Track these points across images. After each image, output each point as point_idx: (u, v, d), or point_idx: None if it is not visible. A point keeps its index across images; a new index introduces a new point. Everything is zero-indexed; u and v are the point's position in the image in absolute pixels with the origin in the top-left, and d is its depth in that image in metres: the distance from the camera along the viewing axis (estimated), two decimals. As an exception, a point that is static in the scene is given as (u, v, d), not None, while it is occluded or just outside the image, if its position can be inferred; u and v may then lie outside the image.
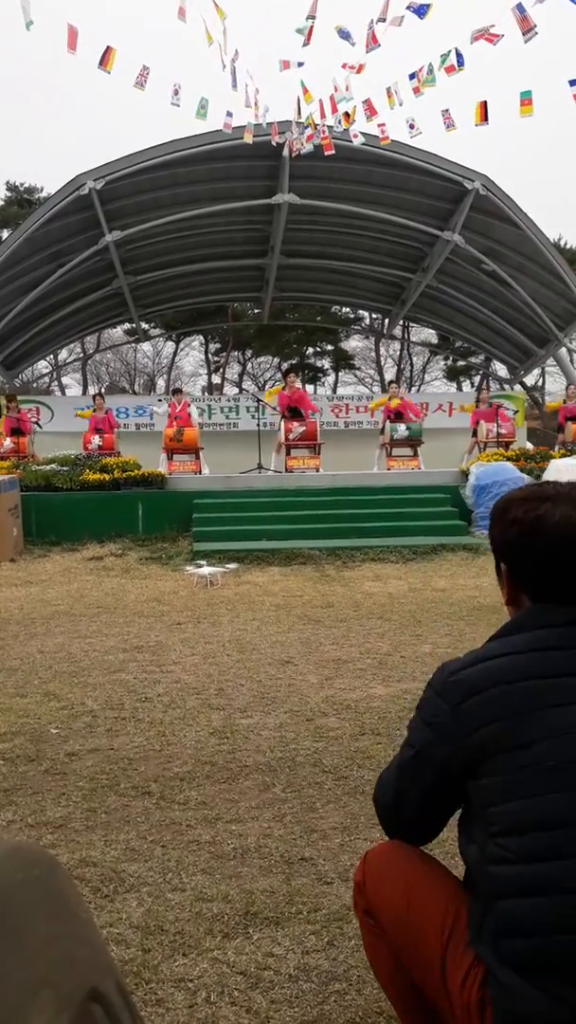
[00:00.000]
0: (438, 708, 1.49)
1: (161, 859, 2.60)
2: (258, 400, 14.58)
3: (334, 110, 10.55)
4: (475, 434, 13.88)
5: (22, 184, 31.53)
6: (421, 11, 8.01)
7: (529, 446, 17.49)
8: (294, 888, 2.41)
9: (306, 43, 8.46)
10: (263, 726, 3.96)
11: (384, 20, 8.46)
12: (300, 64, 9.51)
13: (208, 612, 7.10)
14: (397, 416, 13.74)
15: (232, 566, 9.05)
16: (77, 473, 11.78)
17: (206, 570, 8.51)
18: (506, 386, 20.92)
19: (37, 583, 8.75)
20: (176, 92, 9.96)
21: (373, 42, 8.73)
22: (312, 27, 8.35)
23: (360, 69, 9.42)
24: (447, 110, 9.81)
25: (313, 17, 8.29)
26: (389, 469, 13.19)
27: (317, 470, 12.81)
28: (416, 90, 9.55)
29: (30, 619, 6.98)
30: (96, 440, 13.97)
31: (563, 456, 12.09)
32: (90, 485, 11.51)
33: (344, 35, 8.66)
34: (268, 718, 4.09)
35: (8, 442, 14.22)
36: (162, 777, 3.32)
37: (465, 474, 11.62)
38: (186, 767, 3.43)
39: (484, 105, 9.77)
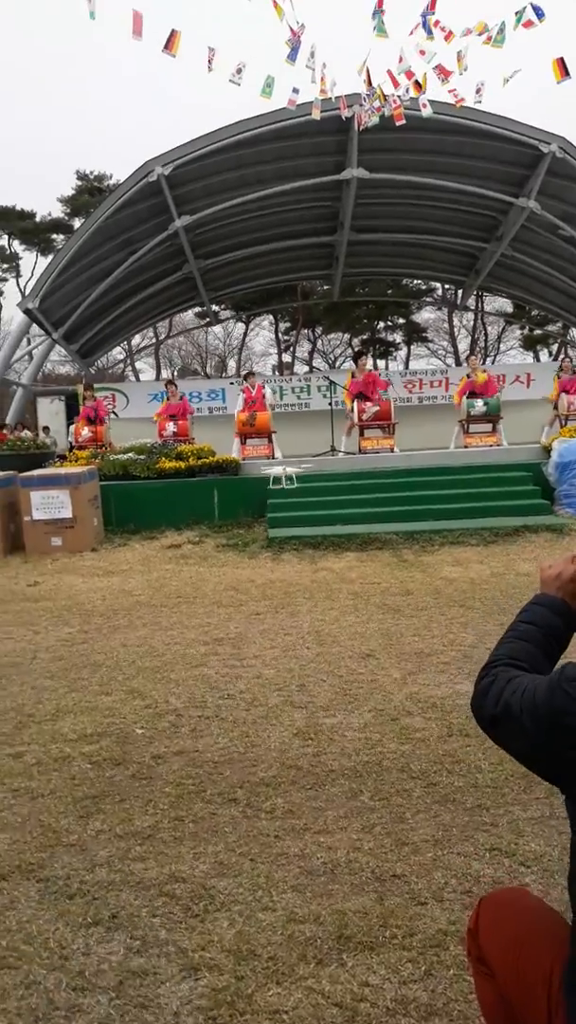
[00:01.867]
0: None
1: (251, 874, 2.57)
2: (330, 380, 14.39)
3: (409, 76, 10.21)
4: (556, 406, 13.40)
5: (91, 172, 31.88)
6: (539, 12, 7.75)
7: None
8: (387, 909, 2.35)
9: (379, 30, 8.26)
10: (347, 726, 3.90)
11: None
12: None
13: (286, 601, 7.07)
14: (472, 393, 13.35)
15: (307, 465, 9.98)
16: (153, 461, 11.91)
17: (279, 468, 9.08)
18: (587, 354, 20.15)
19: (118, 573, 8.90)
20: (239, 71, 9.82)
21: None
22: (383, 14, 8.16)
23: (449, 36, 9.04)
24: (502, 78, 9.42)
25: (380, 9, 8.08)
26: (467, 447, 12.87)
27: (392, 450, 12.60)
28: (489, 39, 9.12)
29: (112, 610, 7.10)
30: (171, 427, 14.08)
31: None
32: (166, 473, 11.62)
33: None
34: (352, 717, 4.03)
35: (87, 431, 14.49)
36: (248, 783, 3.30)
37: (547, 450, 11.23)
38: (271, 771, 3.40)
39: (561, 61, 9.33)
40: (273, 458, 12.92)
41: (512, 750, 1.44)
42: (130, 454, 12.38)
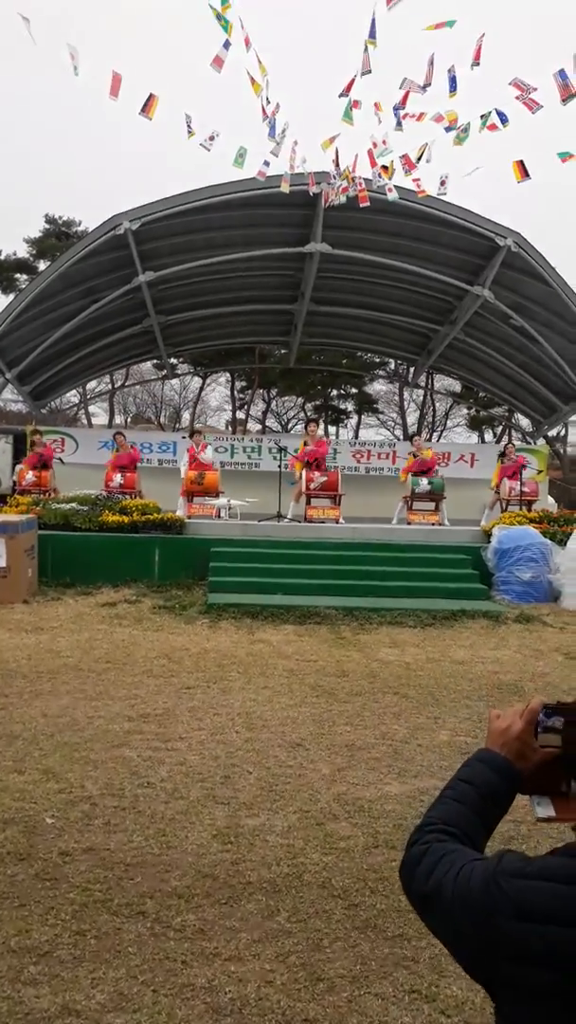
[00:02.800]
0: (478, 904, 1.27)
1: (151, 1010, 2.38)
2: (279, 447, 14.45)
3: (372, 164, 10.57)
4: (498, 490, 13.67)
5: (60, 217, 32.03)
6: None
7: (551, 502, 17.27)
8: (295, 1061, 2.18)
9: (349, 114, 8.55)
10: (270, 829, 3.74)
11: (429, 85, 8.49)
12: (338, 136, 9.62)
13: (219, 675, 6.89)
14: (420, 472, 13.56)
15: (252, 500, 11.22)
16: (96, 513, 11.68)
17: (223, 500, 10.56)
18: (529, 440, 20.73)
19: (48, 630, 8.59)
20: (212, 138, 10.03)
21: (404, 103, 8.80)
22: (355, 103, 8.47)
23: (420, 117, 9.38)
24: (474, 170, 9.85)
25: (347, 95, 8.39)
26: (410, 523, 12.98)
27: (337, 521, 12.63)
28: (456, 143, 9.54)
29: (37, 672, 6.81)
30: (118, 478, 13.91)
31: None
32: (108, 527, 11.40)
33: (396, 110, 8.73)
34: (275, 819, 3.86)
35: (31, 475, 14.21)
36: (159, 892, 3.10)
37: (487, 534, 11.38)
38: (185, 880, 3.21)
39: (521, 164, 9.79)
40: (220, 516, 12.84)
41: (441, 938, 1.34)
42: (73, 504, 12.14)
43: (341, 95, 8.71)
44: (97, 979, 2.53)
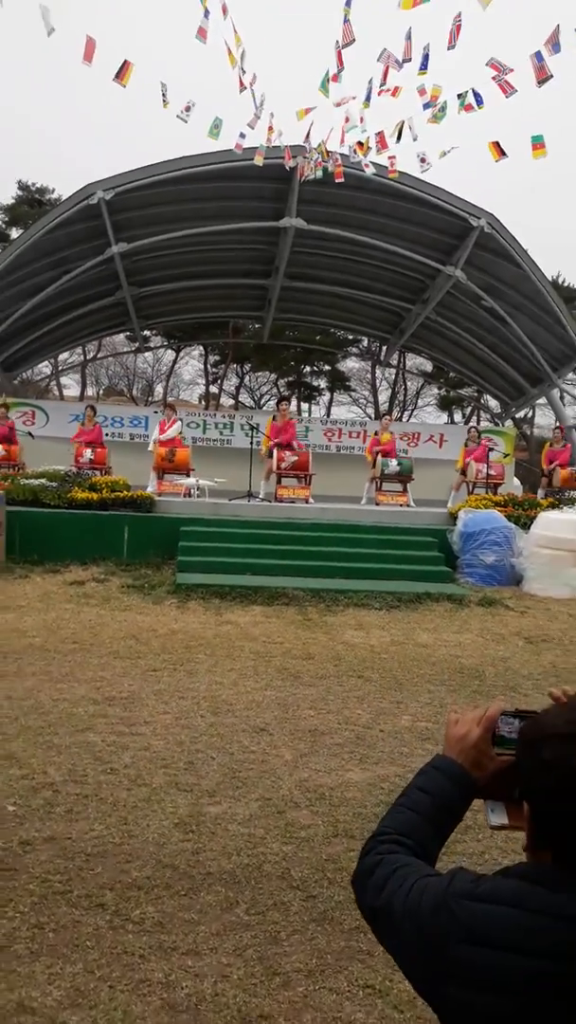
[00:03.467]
0: (429, 923, 1.28)
1: (107, 1006, 2.40)
2: (251, 425, 14.40)
3: (342, 140, 10.44)
4: (464, 472, 13.76)
5: (34, 184, 31.27)
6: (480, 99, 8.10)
7: (517, 483, 17.42)
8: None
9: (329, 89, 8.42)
10: (231, 817, 3.77)
11: (408, 60, 8.37)
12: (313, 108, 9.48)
13: (186, 657, 6.91)
14: (386, 452, 13.60)
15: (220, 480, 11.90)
16: (65, 490, 11.57)
17: (192, 480, 11.26)
18: (497, 421, 20.86)
19: (14, 608, 8.53)
20: (188, 109, 9.84)
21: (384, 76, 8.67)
22: (334, 76, 8.33)
23: (395, 92, 9.25)
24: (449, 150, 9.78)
25: (341, 68, 8.27)
26: (378, 504, 13.04)
27: (307, 501, 12.64)
28: (432, 121, 9.46)
29: (2, 653, 6.77)
30: (88, 454, 13.76)
31: (551, 505, 11.97)
32: (77, 504, 11.29)
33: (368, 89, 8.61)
34: (237, 806, 3.90)
35: None
36: (119, 884, 3.12)
37: (453, 516, 11.47)
38: (145, 871, 3.23)
39: (497, 144, 9.74)
40: (190, 496, 12.79)
41: (390, 952, 1.35)
42: (42, 480, 12.00)
43: (338, 72, 8.51)
44: (54, 975, 2.55)
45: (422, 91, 9.24)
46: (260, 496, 13.02)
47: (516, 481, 17.78)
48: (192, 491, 12.64)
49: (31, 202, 30.29)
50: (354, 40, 8.41)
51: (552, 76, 8.14)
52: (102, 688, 5.88)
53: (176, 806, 3.87)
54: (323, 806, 3.96)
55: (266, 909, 2.99)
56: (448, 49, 7.64)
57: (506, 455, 16.18)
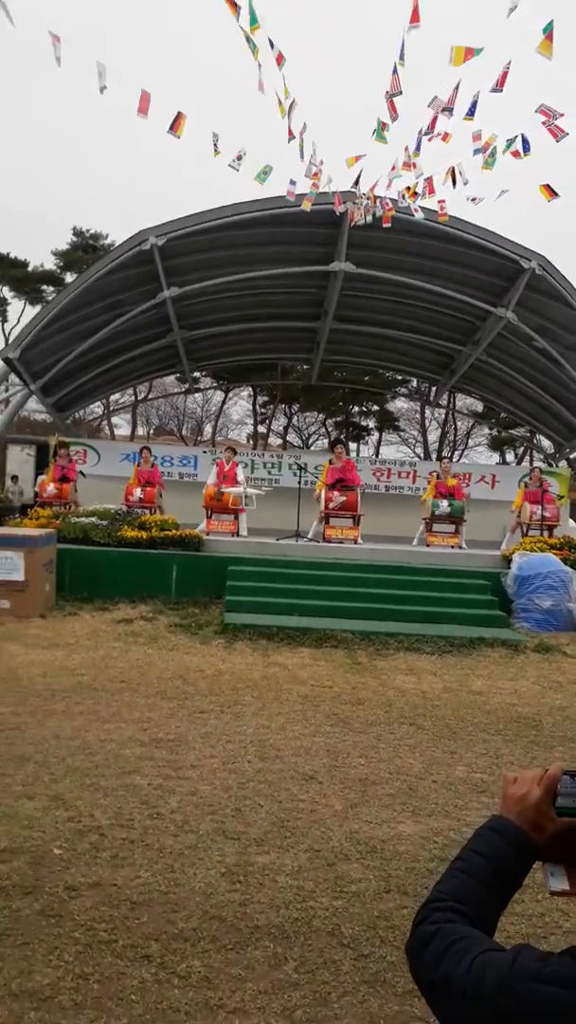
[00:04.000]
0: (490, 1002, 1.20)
1: (152, 1067, 2.31)
2: (300, 466, 14.43)
3: (389, 185, 10.56)
4: (519, 514, 13.54)
5: (88, 230, 32.38)
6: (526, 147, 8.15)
7: (572, 525, 17.04)
8: None
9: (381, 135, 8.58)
10: (279, 868, 3.66)
11: (451, 109, 8.47)
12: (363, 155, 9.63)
13: (233, 699, 6.83)
14: (440, 493, 13.46)
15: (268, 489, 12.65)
16: (115, 528, 11.70)
17: (239, 489, 12.25)
18: (551, 462, 20.57)
19: (64, 646, 8.58)
20: (239, 157, 10.09)
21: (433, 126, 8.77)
22: (383, 125, 8.48)
23: (446, 138, 9.35)
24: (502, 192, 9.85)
25: (395, 117, 8.42)
26: (429, 545, 12.88)
27: (356, 541, 12.55)
28: (484, 168, 9.53)
29: (51, 691, 6.79)
30: (138, 492, 13.93)
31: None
32: (127, 542, 11.40)
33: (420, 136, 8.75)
34: (286, 857, 3.79)
35: (52, 487, 14.27)
36: (164, 935, 3.04)
37: (507, 559, 11.25)
38: (191, 922, 3.14)
39: (548, 186, 9.75)
40: (238, 535, 12.82)
41: (443, 1023, 1.26)
42: (92, 518, 12.16)
43: (392, 120, 8.65)
44: (98, 1030, 2.47)
45: (476, 136, 9.33)
46: (308, 536, 12.97)
47: (572, 523, 17.43)
48: (240, 499, 12.98)
49: (85, 247, 31.34)
50: (401, 92, 8.56)
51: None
52: (149, 729, 5.83)
53: (223, 854, 3.78)
54: (374, 859, 3.82)
55: (316, 968, 2.87)
56: (491, 91, 7.70)
57: (561, 497, 15.88)
